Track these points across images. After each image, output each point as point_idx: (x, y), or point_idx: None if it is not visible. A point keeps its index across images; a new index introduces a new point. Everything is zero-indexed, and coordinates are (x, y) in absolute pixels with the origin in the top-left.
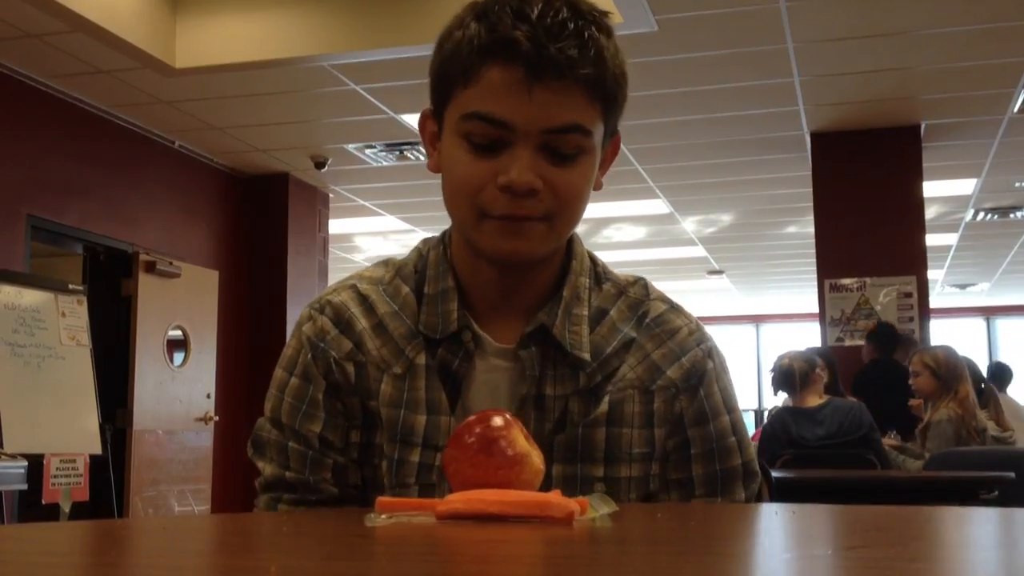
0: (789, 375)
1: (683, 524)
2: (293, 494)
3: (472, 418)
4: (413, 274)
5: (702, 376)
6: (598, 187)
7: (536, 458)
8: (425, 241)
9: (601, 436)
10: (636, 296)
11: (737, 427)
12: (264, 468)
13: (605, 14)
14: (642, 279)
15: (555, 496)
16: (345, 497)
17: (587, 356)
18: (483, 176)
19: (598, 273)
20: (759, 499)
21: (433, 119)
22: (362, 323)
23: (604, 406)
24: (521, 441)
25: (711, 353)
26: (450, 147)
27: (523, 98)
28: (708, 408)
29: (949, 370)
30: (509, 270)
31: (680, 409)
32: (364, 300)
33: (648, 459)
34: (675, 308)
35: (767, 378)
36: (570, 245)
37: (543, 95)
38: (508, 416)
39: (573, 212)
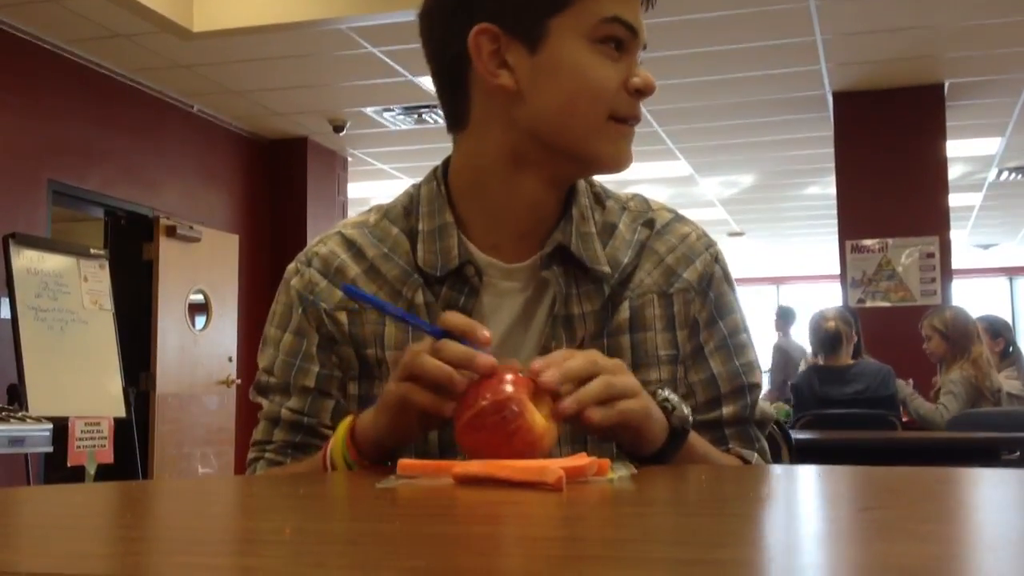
0: (835, 338)
1: (697, 486)
2: (287, 435)
3: (480, 382)
4: (403, 215)
5: (713, 279)
6: None
7: (545, 423)
8: (415, 184)
9: (627, 343)
10: (638, 208)
11: (746, 325)
12: (263, 403)
13: None
14: (639, 194)
15: (555, 461)
16: None
17: (607, 269)
18: (619, 79)
19: (596, 192)
20: (778, 460)
21: (509, 36)
22: (354, 269)
23: (625, 312)
24: (531, 408)
25: (718, 257)
26: (578, 54)
27: (641, 7)
28: (719, 308)
29: (958, 331)
30: (560, 186)
31: (695, 313)
32: (352, 245)
33: (675, 361)
34: (680, 216)
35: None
36: None
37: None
38: (517, 375)
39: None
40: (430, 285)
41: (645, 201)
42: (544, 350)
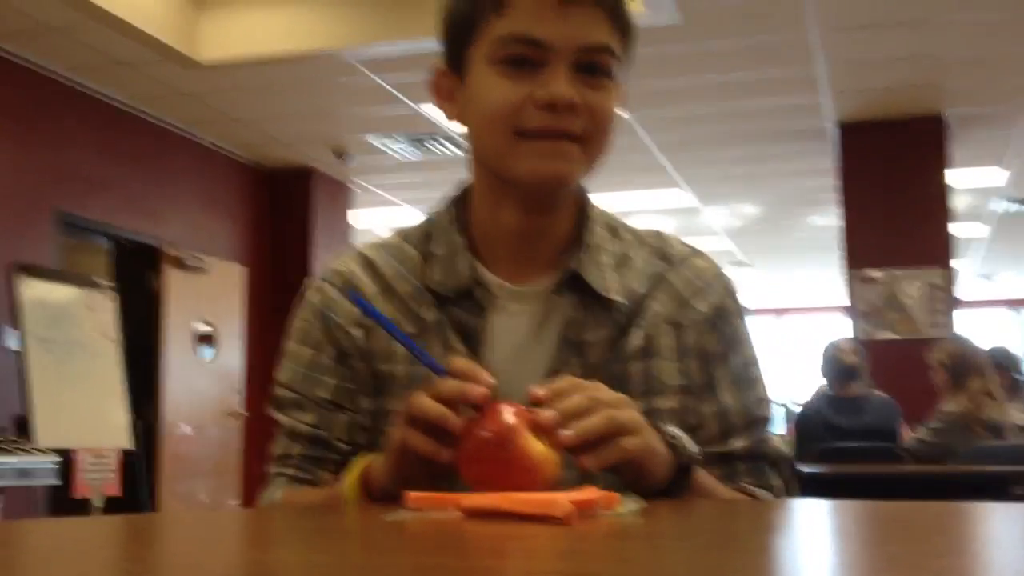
0: (852, 369)
1: (707, 520)
2: (305, 450)
3: (481, 415)
4: (423, 239)
5: (725, 314)
6: (623, 100)
7: (547, 452)
8: (437, 212)
9: (637, 369)
10: (655, 242)
11: (757, 359)
12: (280, 419)
13: None
14: (658, 230)
15: (564, 495)
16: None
17: (621, 298)
18: (521, 95)
19: (612, 224)
20: (789, 493)
21: (450, 73)
22: (370, 288)
23: (638, 340)
24: (531, 439)
25: (732, 292)
26: (482, 78)
27: (558, 17)
28: (732, 341)
29: (958, 363)
30: (534, 211)
31: (707, 344)
32: (370, 265)
33: (686, 391)
34: (697, 251)
35: (792, 372)
36: (583, 195)
37: (576, 14)
38: (517, 407)
39: (605, 136)
40: (441, 304)
41: (661, 235)
42: (553, 374)
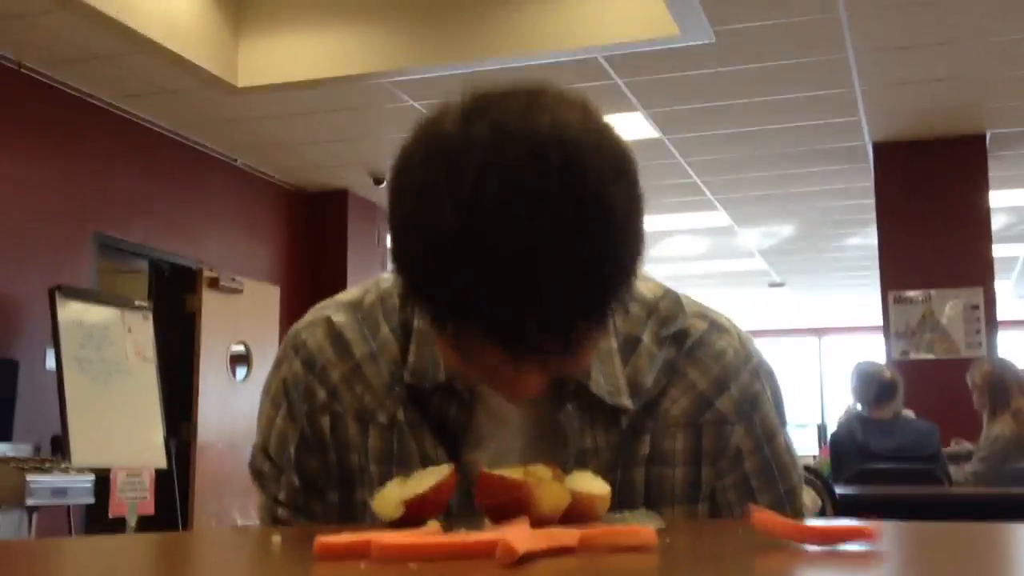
0: (892, 388)
1: (732, 538)
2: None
3: (496, 483)
4: (399, 305)
5: (754, 401)
6: None
7: (555, 490)
8: None
9: (641, 478)
10: (668, 313)
11: (788, 441)
12: (259, 496)
13: (606, 193)
14: (671, 291)
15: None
16: None
17: (628, 402)
18: (472, 373)
19: None
20: (822, 514)
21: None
22: (338, 370)
23: (646, 447)
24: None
25: (759, 372)
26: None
27: (508, 370)
28: (764, 432)
29: (996, 384)
30: None
31: (737, 442)
32: (339, 338)
33: (694, 499)
34: (716, 325)
35: (829, 392)
36: None
37: (532, 364)
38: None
39: (585, 368)
40: (419, 396)
41: (677, 303)
42: None
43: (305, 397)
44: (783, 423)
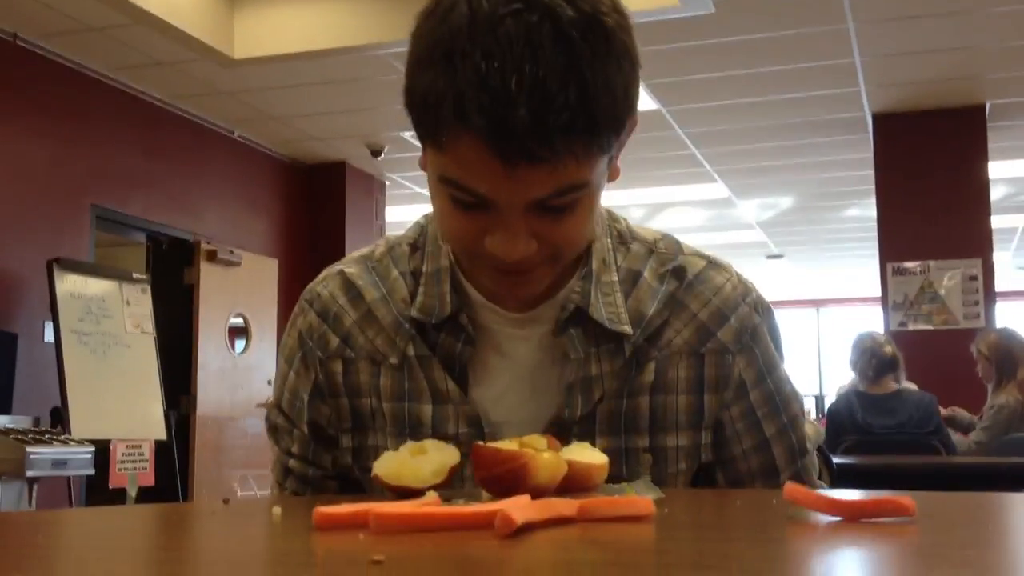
0: (893, 362)
1: (731, 510)
2: (294, 486)
3: (491, 455)
4: (409, 253)
5: (754, 332)
6: (614, 178)
7: (551, 461)
8: (427, 215)
9: (645, 405)
10: (668, 251)
11: (787, 373)
12: (273, 449)
13: (598, 18)
14: (670, 235)
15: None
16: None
17: (628, 328)
18: (471, 231)
19: (620, 231)
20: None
21: (417, 132)
22: (351, 316)
23: (650, 375)
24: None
25: (758, 306)
26: (435, 190)
27: (500, 177)
28: (765, 364)
29: (1003, 354)
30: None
31: (739, 372)
32: (351, 287)
33: (696, 427)
34: (713, 263)
35: (827, 363)
36: None
37: (524, 173)
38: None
39: (578, 248)
40: (426, 334)
41: (676, 243)
42: (557, 419)
43: (319, 345)
44: (782, 355)
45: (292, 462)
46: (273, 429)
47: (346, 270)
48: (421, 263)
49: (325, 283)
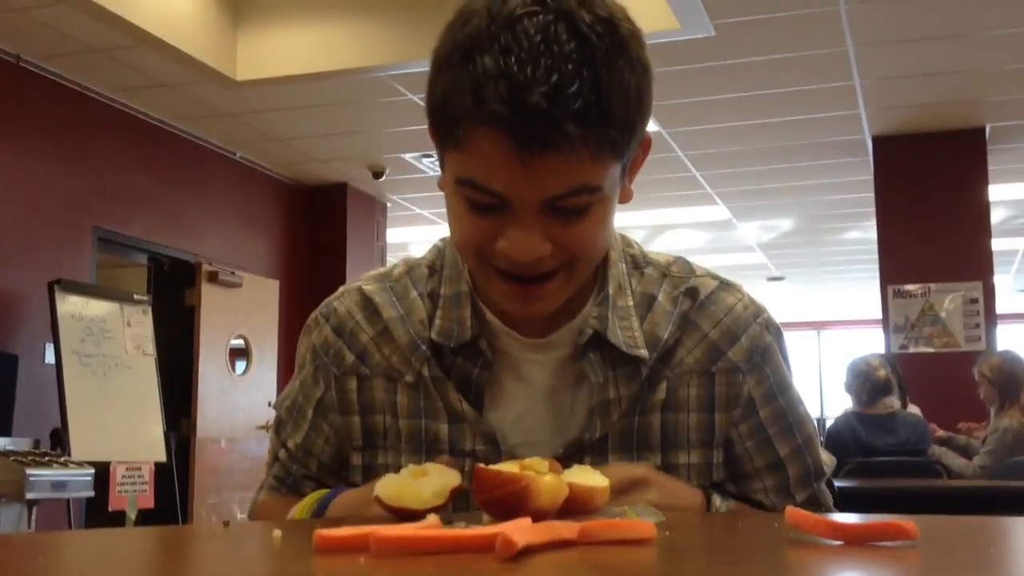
0: (886, 386)
1: (731, 532)
2: (279, 472)
3: (492, 478)
4: (427, 275)
5: (764, 352)
6: (626, 199)
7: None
8: (444, 238)
9: (657, 423)
10: (681, 274)
11: (799, 394)
12: (271, 438)
13: (613, 23)
14: (682, 257)
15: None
16: None
17: (645, 352)
18: (485, 234)
19: (635, 256)
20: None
21: (436, 142)
22: (367, 332)
23: (661, 393)
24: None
25: (769, 326)
26: (450, 196)
27: (516, 169)
28: (776, 383)
29: (1005, 377)
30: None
31: (748, 391)
32: (368, 304)
33: (708, 445)
34: (725, 284)
35: (829, 385)
36: None
37: (539, 164)
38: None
39: (592, 257)
40: (443, 356)
41: (688, 265)
42: (576, 441)
43: (334, 361)
44: (792, 375)
45: (282, 453)
46: (277, 420)
47: (364, 287)
48: (439, 285)
49: (342, 299)
